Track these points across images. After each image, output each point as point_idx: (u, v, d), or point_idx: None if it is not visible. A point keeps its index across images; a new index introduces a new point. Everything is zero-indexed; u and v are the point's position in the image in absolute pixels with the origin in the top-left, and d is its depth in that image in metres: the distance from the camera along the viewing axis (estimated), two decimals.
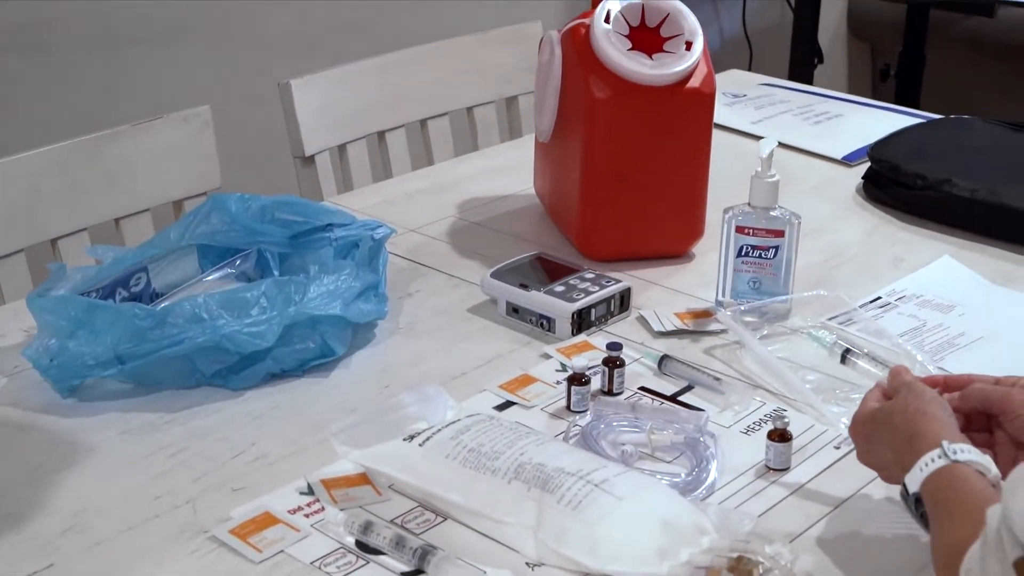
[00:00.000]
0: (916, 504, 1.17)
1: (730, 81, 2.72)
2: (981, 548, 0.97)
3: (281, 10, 3.18)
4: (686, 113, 1.82)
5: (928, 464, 1.16)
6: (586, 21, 1.82)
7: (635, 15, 1.82)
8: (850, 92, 2.80)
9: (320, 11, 3.24)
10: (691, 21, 1.83)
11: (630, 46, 1.79)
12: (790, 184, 2.10)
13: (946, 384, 1.33)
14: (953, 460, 1.15)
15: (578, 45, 1.82)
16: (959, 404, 1.30)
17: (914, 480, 1.17)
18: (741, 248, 1.69)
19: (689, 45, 1.81)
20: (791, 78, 3.49)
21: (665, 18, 1.82)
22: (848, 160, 2.28)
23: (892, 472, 1.25)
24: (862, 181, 2.16)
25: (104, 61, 2.94)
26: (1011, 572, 0.92)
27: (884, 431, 1.26)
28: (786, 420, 1.41)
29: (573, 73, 1.83)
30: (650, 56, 1.79)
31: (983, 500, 1.04)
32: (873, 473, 1.33)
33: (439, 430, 1.37)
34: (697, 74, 1.82)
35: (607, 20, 1.80)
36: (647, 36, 1.81)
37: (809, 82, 3.84)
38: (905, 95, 4.10)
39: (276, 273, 1.69)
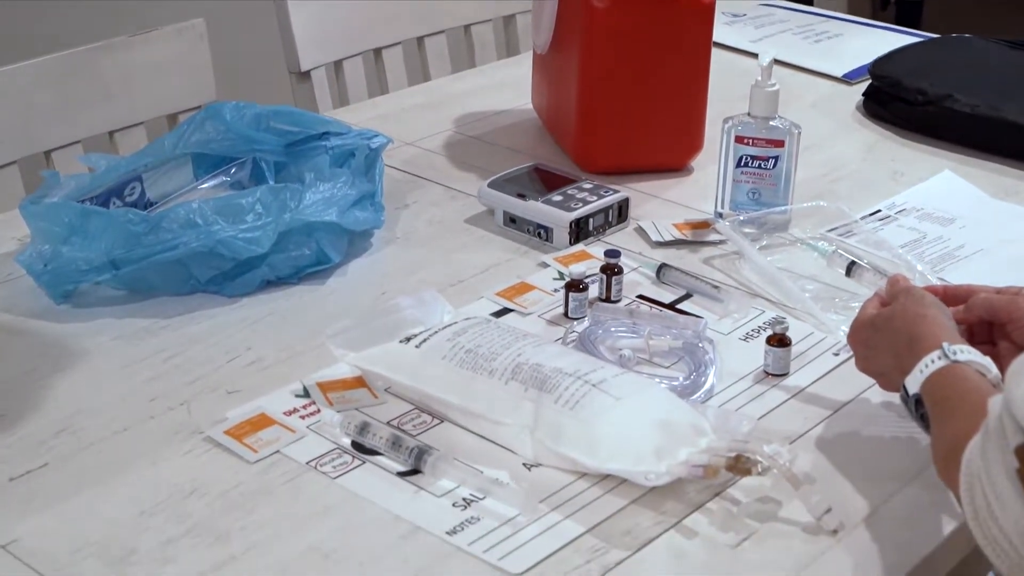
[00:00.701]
0: (916, 405, 1.16)
1: (729, 3, 2.69)
2: (982, 437, 0.97)
3: None
4: (685, 23, 1.80)
5: (929, 365, 1.15)
6: None
7: None
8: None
9: None
10: None
11: None
12: (790, 101, 2.09)
13: (946, 294, 1.32)
14: (954, 360, 1.14)
15: None
16: (964, 316, 1.29)
17: (915, 381, 1.16)
18: (741, 158, 1.68)
19: None
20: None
21: None
22: (848, 78, 2.26)
23: (891, 377, 1.24)
24: (862, 98, 2.14)
25: None
26: (1012, 459, 0.91)
27: (883, 336, 1.26)
28: (785, 325, 1.40)
29: None
30: None
31: (984, 397, 1.03)
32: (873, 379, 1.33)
33: (436, 332, 1.36)
34: None
35: None
36: None
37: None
38: (905, 23, 4.06)
39: (271, 182, 1.68)
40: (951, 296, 1.32)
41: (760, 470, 1.17)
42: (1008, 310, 1.27)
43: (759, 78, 1.66)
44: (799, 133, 1.67)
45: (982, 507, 0.95)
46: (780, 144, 1.67)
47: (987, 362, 1.14)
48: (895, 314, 1.25)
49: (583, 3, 1.78)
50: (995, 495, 0.93)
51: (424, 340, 1.35)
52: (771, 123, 1.67)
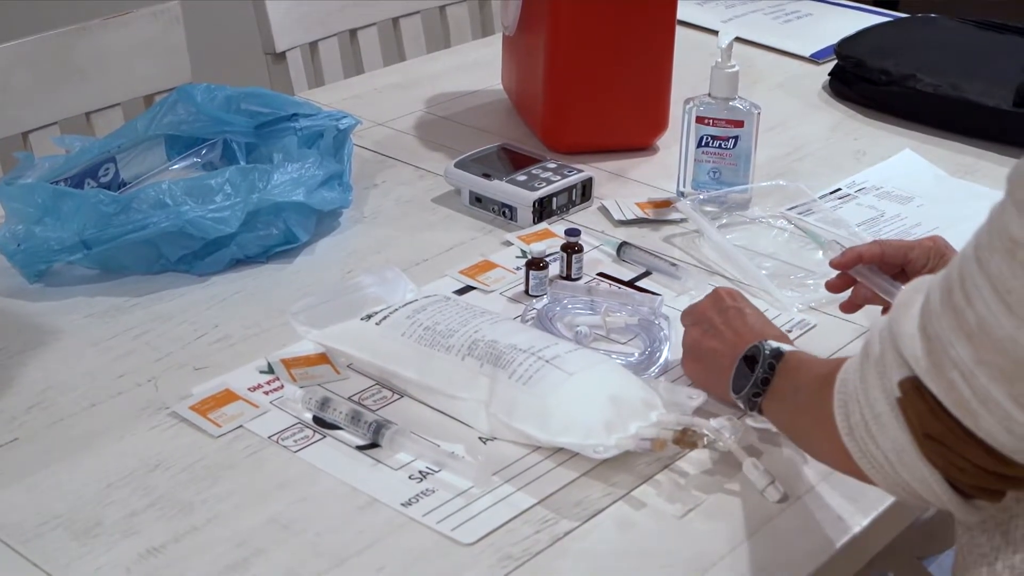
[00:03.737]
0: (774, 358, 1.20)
1: None
2: (861, 360, 1.00)
3: None
4: (650, 6, 1.83)
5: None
6: None
7: None
8: None
9: None
10: None
11: None
12: (758, 81, 2.13)
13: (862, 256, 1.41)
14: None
15: None
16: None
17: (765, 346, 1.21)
18: (701, 138, 1.71)
19: None
20: None
21: None
22: (816, 58, 2.29)
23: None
24: (828, 78, 2.17)
25: None
26: (894, 388, 0.95)
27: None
28: None
29: None
30: None
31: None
32: (823, 354, 1.37)
33: (396, 309, 1.39)
34: None
35: None
36: None
37: None
38: (883, 2, 4.08)
39: (242, 163, 1.71)
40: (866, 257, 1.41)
41: (706, 443, 1.21)
42: (898, 256, 1.37)
43: (719, 59, 1.69)
44: (759, 113, 1.71)
45: (859, 425, 0.98)
46: (740, 124, 1.70)
47: None
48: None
49: None
50: (873, 416, 0.97)
51: (384, 317, 1.38)
52: (731, 104, 1.70)
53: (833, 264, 1.42)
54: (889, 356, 0.96)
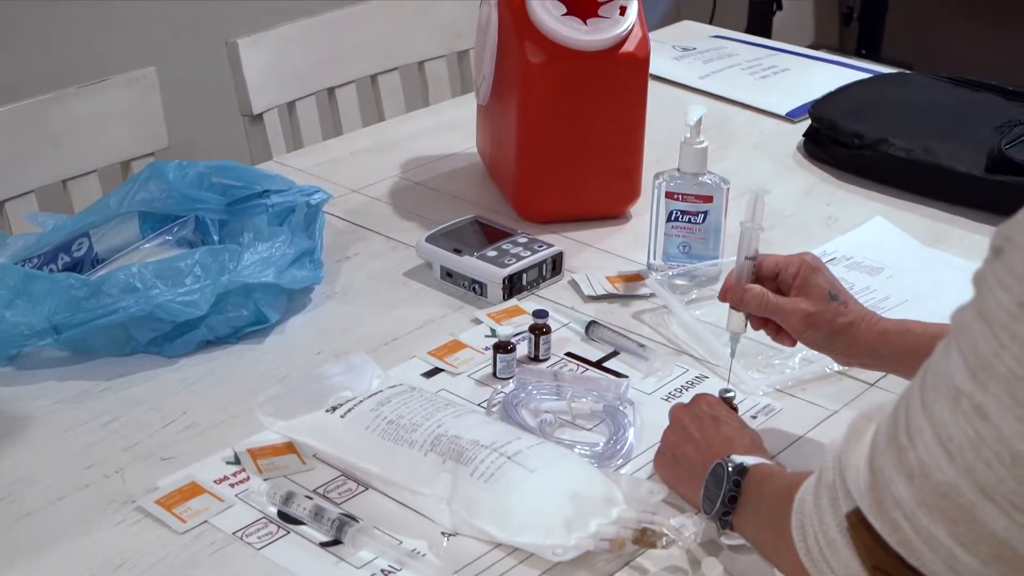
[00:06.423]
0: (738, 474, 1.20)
1: (683, 32, 2.73)
2: (816, 483, 1.01)
3: None
4: (620, 77, 1.84)
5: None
6: None
7: None
8: (816, 37, 2.80)
9: None
10: None
11: (564, 11, 1.81)
12: (733, 141, 2.15)
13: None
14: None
15: (513, 9, 1.83)
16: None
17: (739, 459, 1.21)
18: (671, 213, 1.72)
19: (623, 10, 1.83)
20: (749, 24, 3.49)
21: None
22: (791, 116, 2.30)
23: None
24: (802, 139, 2.18)
25: (45, 19, 2.93)
26: (842, 519, 0.96)
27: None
28: (731, 395, 1.45)
29: (508, 37, 1.85)
30: (584, 21, 1.81)
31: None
32: (788, 440, 1.39)
33: (361, 402, 1.40)
34: (631, 39, 1.83)
35: None
36: (581, 1, 1.83)
37: (769, 28, 3.83)
38: (868, 40, 4.10)
39: (216, 238, 1.72)
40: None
41: (665, 544, 1.22)
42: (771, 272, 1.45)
43: (687, 135, 1.70)
44: (728, 188, 1.72)
45: (814, 547, 0.99)
46: (709, 200, 1.71)
47: None
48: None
49: (519, 57, 1.82)
50: (827, 541, 0.98)
51: (349, 410, 1.39)
52: (700, 179, 1.71)
53: (721, 299, 1.48)
54: (839, 485, 0.97)
